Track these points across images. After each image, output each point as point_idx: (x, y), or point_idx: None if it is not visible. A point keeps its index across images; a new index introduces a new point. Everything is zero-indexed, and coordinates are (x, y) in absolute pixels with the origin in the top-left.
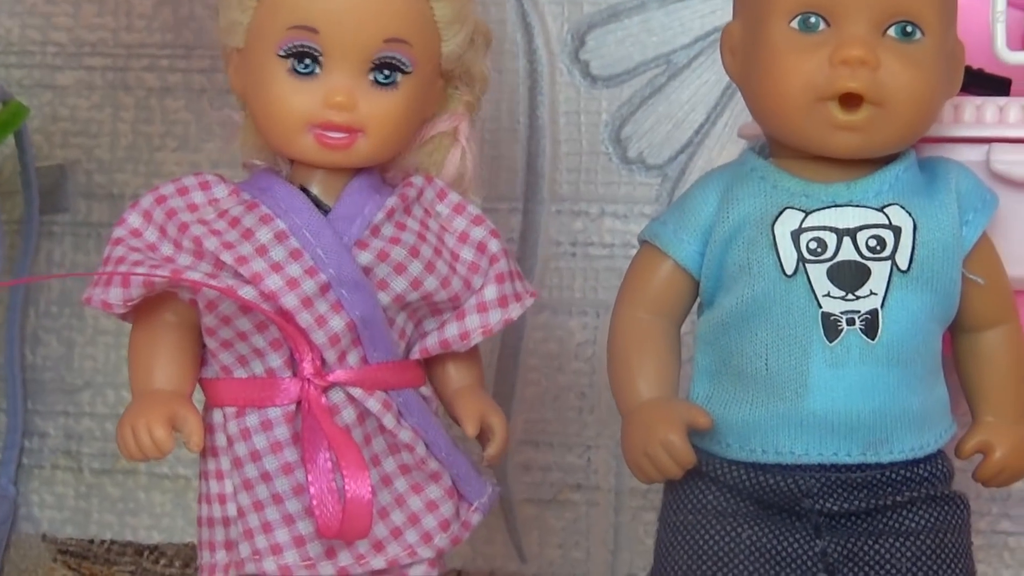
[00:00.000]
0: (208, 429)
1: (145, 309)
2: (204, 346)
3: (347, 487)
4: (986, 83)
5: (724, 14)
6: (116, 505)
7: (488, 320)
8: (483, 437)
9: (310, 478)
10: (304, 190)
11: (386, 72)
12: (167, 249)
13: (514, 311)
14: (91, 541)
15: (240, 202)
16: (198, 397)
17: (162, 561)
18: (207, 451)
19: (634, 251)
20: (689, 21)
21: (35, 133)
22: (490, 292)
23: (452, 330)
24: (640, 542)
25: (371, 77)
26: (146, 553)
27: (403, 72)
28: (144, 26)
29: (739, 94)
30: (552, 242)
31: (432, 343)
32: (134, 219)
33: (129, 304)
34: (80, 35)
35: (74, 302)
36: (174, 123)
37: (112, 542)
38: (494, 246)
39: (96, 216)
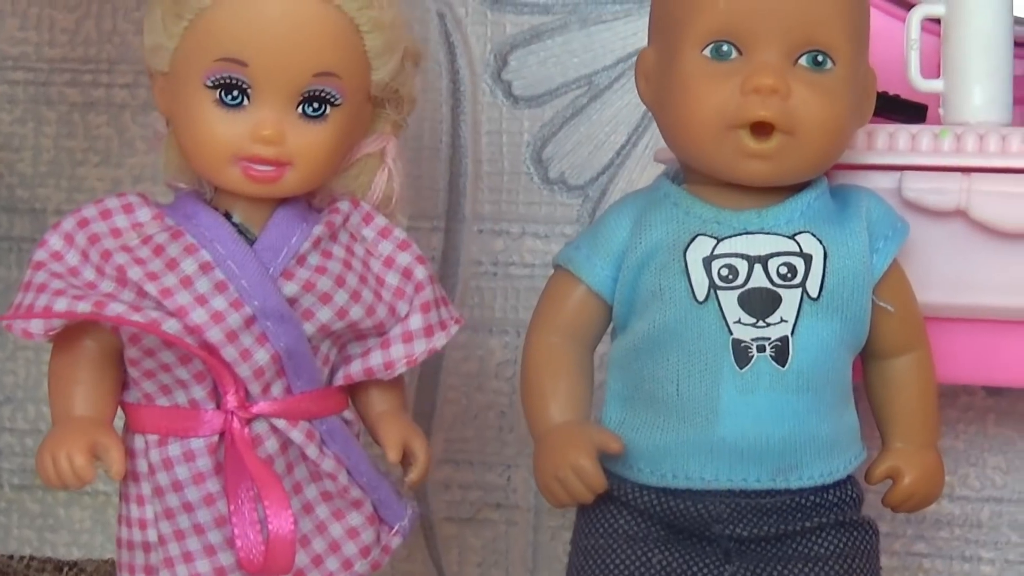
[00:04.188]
0: (129, 453)
1: (65, 334)
2: (126, 371)
3: (270, 523)
4: (903, 109)
5: (646, 36)
6: (36, 521)
7: (413, 350)
8: (405, 461)
9: (232, 509)
10: (228, 216)
11: (315, 105)
12: (89, 274)
13: (439, 341)
14: (11, 557)
15: (164, 228)
16: (119, 418)
17: None
18: (128, 475)
19: None
20: (611, 43)
21: None
22: (415, 322)
23: (376, 359)
24: (558, 561)
25: (300, 110)
26: (66, 569)
27: (333, 105)
28: (67, 41)
29: None
30: (473, 261)
31: (356, 371)
32: (55, 242)
33: (51, 333)
34: (2, 49)
35: None
36: (96, 138)
37: (32, 558)
38: (420, 273)
39: (18, 231)
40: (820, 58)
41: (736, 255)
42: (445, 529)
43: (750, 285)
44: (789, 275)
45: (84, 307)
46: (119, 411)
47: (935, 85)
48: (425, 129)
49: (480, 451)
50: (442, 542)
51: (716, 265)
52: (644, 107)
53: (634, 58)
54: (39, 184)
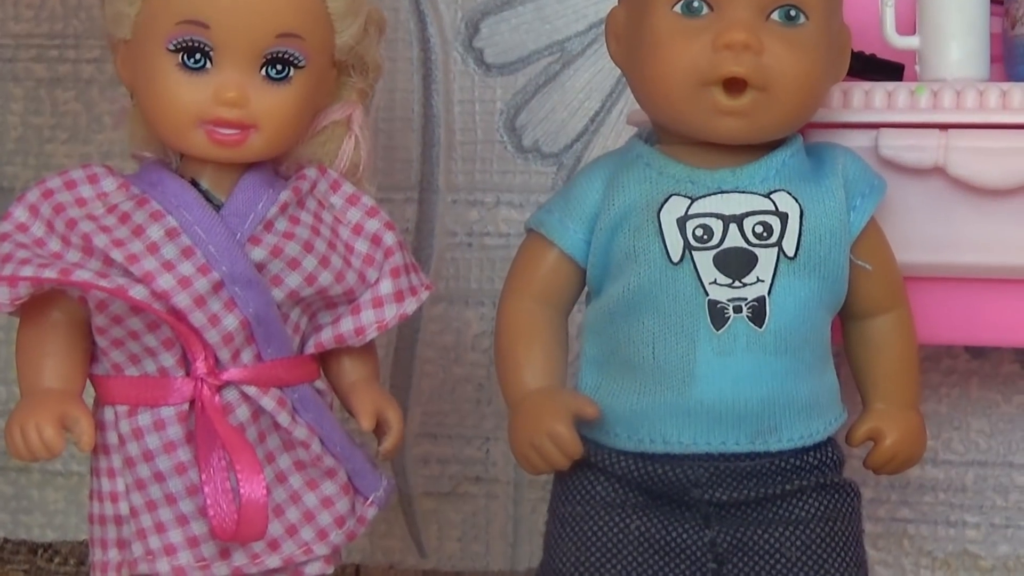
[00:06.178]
0: (99, 426)
1: (33, 306)
2: (94, 342)
3: (242, 489)
4: (880, 68)
5: (616, 2)
6: (9, 503)
7: (383, 315)
8: (379, 430)
9: (203, 478)
10: (195, 183)
11: (279, 67)
12: (55, 245)
13: (409, 306)
14: None
15: (130, 196)
16: (88, 391)
17: (56, 559)
18: (99, 448)
19: None
20: (583, 8)
21: None
22: (385, 287)
23: (347, 325)
24: (539, 534)
25: (263, 72)
26: (40, 551)
27: (296, 67)
28: (32, 16)
29: None
30: (448, 232)
31: (327, 337)
32: (20, 213)
33: (17, 303)
34: None
35: None
36: (64, 114)
37: (6, 540)
38: (389, 239)
39: None
40: (793, 13)
41: (711, 215)
42: (424, 504)
43: (725, 245)
44: (765, 234)
45: (50, 273)
46: (88, 385)
47: (911, 42)
48: (397, 99)
49: (458, 424)
50: (421, 517)
51: (691, 225)
52: (618, 72)
53: None
54: (7, 162)
